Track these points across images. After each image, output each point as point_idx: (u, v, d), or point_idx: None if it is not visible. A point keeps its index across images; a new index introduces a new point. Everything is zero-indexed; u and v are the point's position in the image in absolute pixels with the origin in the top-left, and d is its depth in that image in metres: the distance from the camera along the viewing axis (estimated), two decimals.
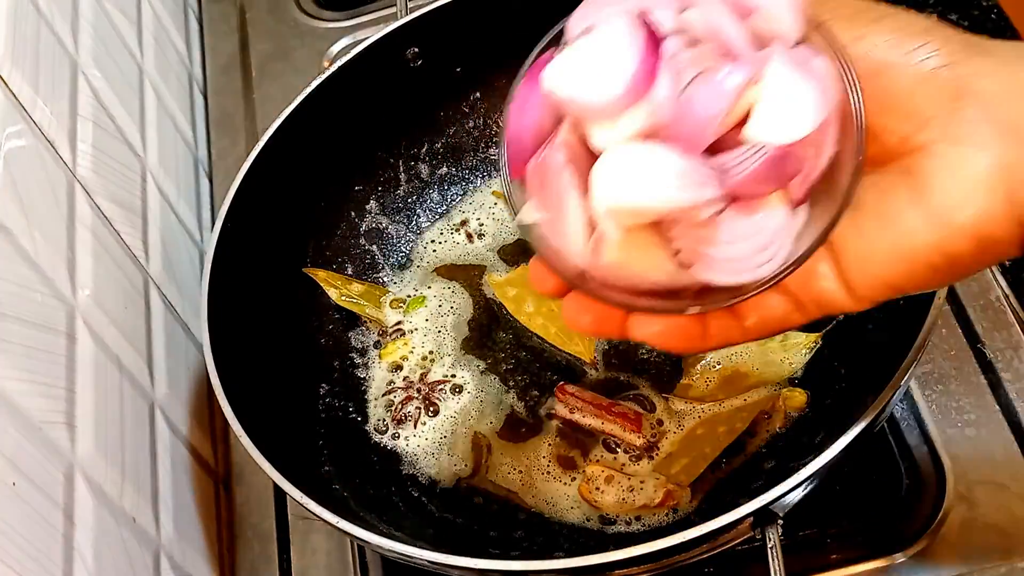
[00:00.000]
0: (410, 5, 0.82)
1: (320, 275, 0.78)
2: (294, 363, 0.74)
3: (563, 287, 0.42)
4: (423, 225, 0.85)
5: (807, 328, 0.72)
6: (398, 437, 0.74)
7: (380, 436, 0.74)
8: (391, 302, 0.80)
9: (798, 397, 0.68)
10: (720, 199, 0.38)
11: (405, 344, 0.78)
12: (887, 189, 0.38)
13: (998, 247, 0.37)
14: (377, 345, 0.79)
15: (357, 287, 0.80)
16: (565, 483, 0.69)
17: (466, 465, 0.72)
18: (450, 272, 0.82)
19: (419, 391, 0.75)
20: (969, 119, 0.37)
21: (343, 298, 0.78)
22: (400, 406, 0.74)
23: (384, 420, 0.74)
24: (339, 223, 0.83)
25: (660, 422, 0.70)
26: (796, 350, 0.70)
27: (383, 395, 0.76)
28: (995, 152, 0.36)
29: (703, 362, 0.72)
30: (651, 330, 0.42)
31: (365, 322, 0.80)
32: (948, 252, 0.37)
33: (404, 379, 0.76)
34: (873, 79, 0.38)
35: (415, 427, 0.74)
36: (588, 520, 0.67)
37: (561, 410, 0.71)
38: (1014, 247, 0.37)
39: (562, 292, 0.43)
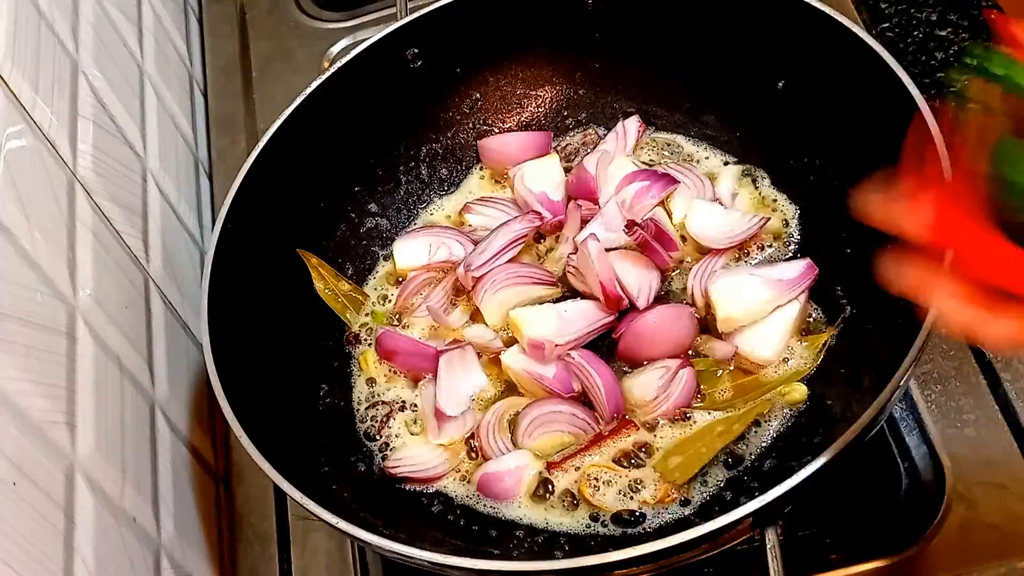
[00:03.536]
0: (410, 6, 0.82)
1: (312, 261, 0.78)
2: (294, 363, 0.74)
3: None
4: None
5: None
6: (388, 447, 0.73)
7: (373, 443, 0.74)
8: (371, 312, 0.80)
9: (797, 392, 0.68)
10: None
11: (376, 362, 0.77)
12: None
13: None
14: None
15: (344, 286, 0.80)
16: (545, 508, 0.69)
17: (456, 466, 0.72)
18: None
19: (402, 405, 0.75)
20: None
21: (326, 291, 0.78)
22: (384, 420, 0.74)
23: (373, 429, 0.74)
24: (339, 223, 0.83)
25: (658, 423, 0.70)
26: (814, 350, 0.70)
27: (366, 408, 0.75)
28: None
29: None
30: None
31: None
32: None
33: (383, 394, 0.76)
34: None
35: (400, 439, 0.73)
36: (587, 520, 0.67)
37: (567, 479, 0.69)
38: None
39: None
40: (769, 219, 0.76)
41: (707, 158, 0.83)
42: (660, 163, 0.82)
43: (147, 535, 0.64)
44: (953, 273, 0.41)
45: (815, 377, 0.69)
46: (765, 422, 0.68)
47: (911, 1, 0.99)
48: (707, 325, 0.73)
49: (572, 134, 0.87)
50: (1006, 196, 0.41)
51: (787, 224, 0.77)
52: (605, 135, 0.85)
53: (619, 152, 0.82)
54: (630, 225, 0.73)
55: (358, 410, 0.75)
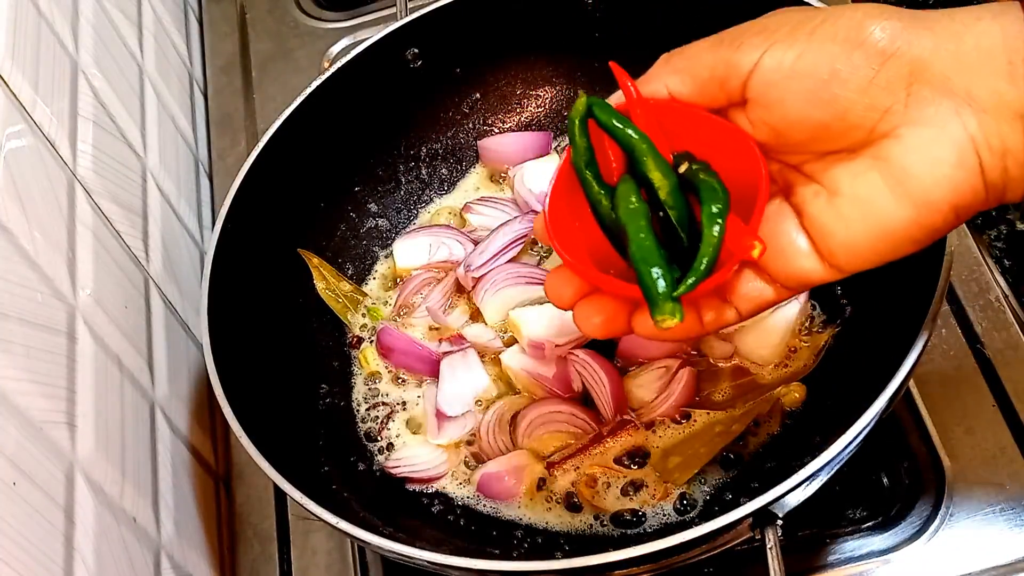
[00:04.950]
0: (410, 5, 0.82)
1: (314, 261, 0.78)
2: (294, 363, 0.74)
3: (577, 296, 0.46)
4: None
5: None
6: (388, 447, 0.73)
7: (373, 443, 0.74)
8: (367, 309, 0.80)
9: (796, 392, 0.68)
10: None
11: (376, 359, 0.77)
12: (861, 175, 0.41)
13: (972, 209, 0.40)
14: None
15: (345, 286, 0.80)
16: (549, 507, 0.69)
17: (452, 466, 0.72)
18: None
19: (403, 405, 0.75)
20: (926, 100, 0.39)
21: (327, 291, 0.78)
22: (384, 420, 0.74)
23: (374, 429, 0.74)
24: (339, 223, 0.83)
25: (654, 424, 0.70)
26: (814, 350, 0.70)
27: (366, 408, 0.75)
28: (957, 126, 0.39)
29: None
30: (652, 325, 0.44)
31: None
32: (927, 225, 0.40)
33: (383, 394, 0.76)
34: (825, 88, 0.40)
35: (400, 439, 0.73)
36: (587, 520, 0.67)
37: (567, 478, 0.69)
38: (987, 204, 0.40)
39: (575, 302, 0.47)
40: None
41: None
42: None
43: (147, 535, 0.64)
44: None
45: (815, 377, 0.69)
46: (765, 422, 0.68)
47: (910, 2, 0.99)
48: None
49: None
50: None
51: None
52: None
53: None
54: None
55: (358, 410, 0.75)
